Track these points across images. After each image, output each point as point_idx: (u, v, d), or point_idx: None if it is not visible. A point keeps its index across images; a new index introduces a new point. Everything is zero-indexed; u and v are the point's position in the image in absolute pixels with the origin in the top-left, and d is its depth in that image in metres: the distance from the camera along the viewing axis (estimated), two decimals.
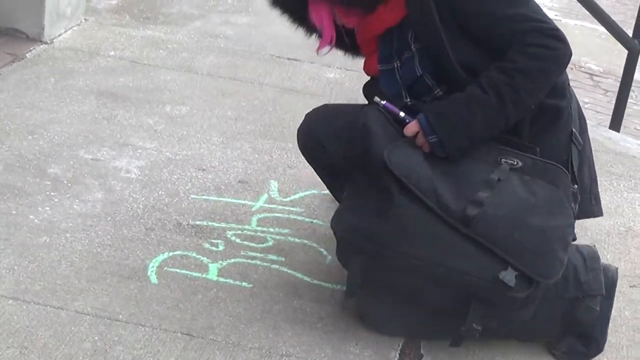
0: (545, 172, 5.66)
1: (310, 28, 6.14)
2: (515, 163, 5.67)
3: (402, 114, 5.76)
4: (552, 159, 5.69)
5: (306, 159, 6.69)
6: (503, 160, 5.68)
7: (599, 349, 6.15)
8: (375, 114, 5.79)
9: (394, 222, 5.55)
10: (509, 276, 5.39)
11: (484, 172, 5.66)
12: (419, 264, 5.56)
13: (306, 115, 6.67)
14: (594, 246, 6.27)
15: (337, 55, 8.07)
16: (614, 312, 6.20)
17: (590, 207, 6.16)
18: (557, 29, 5.74)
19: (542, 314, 5.88)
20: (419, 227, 5.55)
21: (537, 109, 5.75)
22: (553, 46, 5.62)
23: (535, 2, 5.96)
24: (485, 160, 5.72)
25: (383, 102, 5.81)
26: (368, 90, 6.25)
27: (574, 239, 5.98)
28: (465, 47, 5.68)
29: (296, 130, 6.94)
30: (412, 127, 5.68)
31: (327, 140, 6.39)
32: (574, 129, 5.94)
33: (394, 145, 5.64)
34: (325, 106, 6.73)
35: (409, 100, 5.84)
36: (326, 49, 6.16)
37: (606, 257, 6.56)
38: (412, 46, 5.81)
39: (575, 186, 5.78)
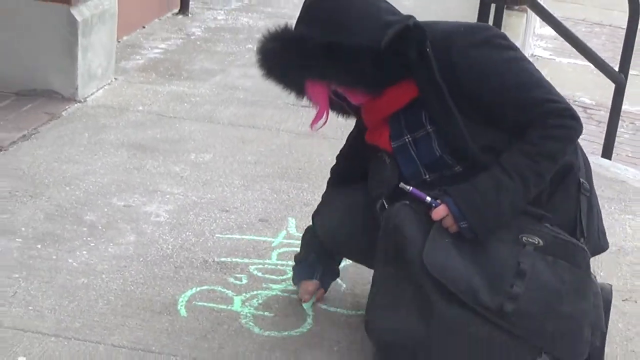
0: (567, 251, 5.63)
1: (303, 96, 6.05)
2: (537, 242, 5.59)
3: (428, 198, 5.60)
4: (564, 214, 5.73)
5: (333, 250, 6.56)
6: (524, 238, 5.60)
7: None
8: (405, 211, 5.63)
9: (435, 327, 5.49)
10: None
11: (510, 257, 5.57)
12: None
13: (319, 217, 6.52)
14: (611, 286, 6.29)
15: None
16: (609, 325, 6.18)
17: (599, 243, 6.12)
18: (571, 108, 5.68)
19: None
20: (461, 326, 5.50)
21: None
22: (570, 125, 5.58)
23: (545, 79, 5.82)
24: (508, 240, 5.62)
25: (409, 188, 5.65)
26: (377, 164, 6.04)
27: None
28: (481, 128, 5.61)
29: (311, 175, 7.06)
30: (440, 212, 5.55)
31: (352, 242, 6.36)
32: (581, 179, 5.90)
33: (430, 247, 5.52)
34: (334, 203, 6.49)
35: (427, 176, 5.80)
36: (320, 124, 6.13)
37: (600, 275, 6.63)
38: (428, 127, 5.74)
39: (587, 250, 5.71)
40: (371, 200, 5.96)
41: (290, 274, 6.85)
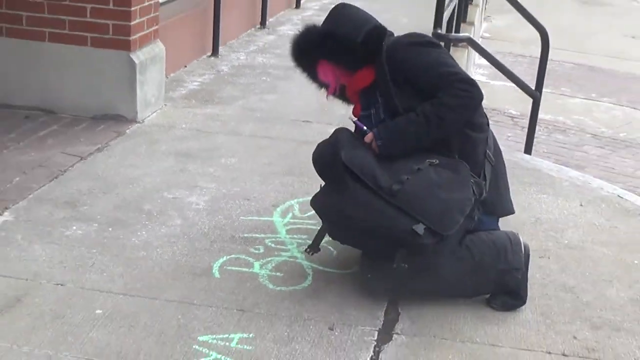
0: (452, 165, 6.23)
1: (319, 84, 6.66)
2: (435, 161, 6.21)
3: (365, 127, 6.36)
4: (472, 171, 6.25)
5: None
6: (427, 160, 6.20)
7: (523, 301, 6.27)
8: (344, 131, 6.38)
9: (347, 196, 6.01)
10: (419, 228, 5.82)
11: (410, 164, 6.15)
12: (363, 225, 6.00)
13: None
14: (517, 233, 6.42)
15: (336, 117, 8.11)
16: (529, 275, 6.23)
17: (507, 206, 6.61)
18: (469, 78, 6.43)
19: (482, 277, 6.21)
20: (362, 198, 6.00)
21: (464, 138, 6.34)
22: (465, 88, 6.22)
23: (452, 58, 6.77)
24: (416, 159, 6.20)
25: (355, 119, 6.52)
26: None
27: (495, 227, 6.50)
28: (409, 97, 6.25)
29: (311, 172, 7.05)
30: (369, 136, 6.29)
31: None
32: (488, 152, 6.44)
33: (349, 151, 6.10)
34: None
35: None
36: (330, 97, 6.79)
37: (522, 240, 6.52)
38: (379, 99, 6.36)
39: (483, 182, 6.28)
40: None
41: (295, 245, 6.91)
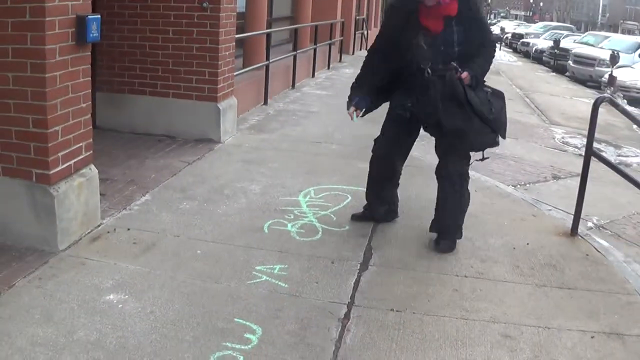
0: (497, 93, 6.00)
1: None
2: (490, 90, 5.95)
3: (460, 70, 5.73)
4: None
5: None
6: (486, 89, 5.92)
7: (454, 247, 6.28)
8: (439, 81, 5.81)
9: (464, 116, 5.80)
10: (498, 139, 5.94)
11: (482, 95, 5.84)
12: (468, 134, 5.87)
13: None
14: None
15: (335, 139, 8.03)
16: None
17: (504, 134, 6.07)
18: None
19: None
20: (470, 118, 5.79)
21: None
22: (494, 49, 6.08)
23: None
24: (482, 90, 5.88)
25: (454, 64, 5.77)
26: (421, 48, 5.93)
27: None
28: (462, 34, 5.83)
29: (321, 171, 7.16)
30: (465, 74, 5.70)
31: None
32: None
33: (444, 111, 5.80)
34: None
35: (440, 65, 5.81)
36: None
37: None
38: (454, 28, 5.81)
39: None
40: (414, 70, 5.99)
41: (311, 215, 6.88)
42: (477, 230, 6.71)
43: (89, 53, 5.94)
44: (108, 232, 6.15)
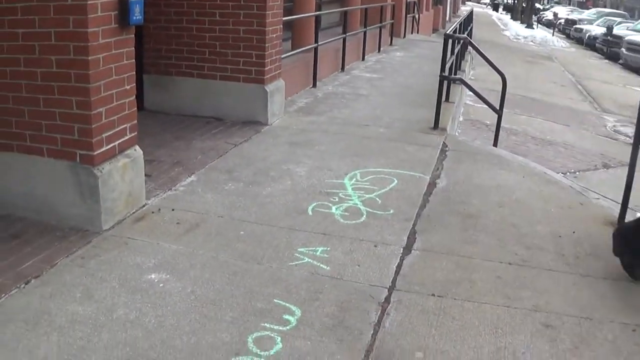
0: None
1: None
2: None
3: None
4: None
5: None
6: None
7: None
8: None
9: None
10: None
11: None
12: None
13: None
14: None
15: (383, 123, 7.98)
16: (493, 216, 6.01)
17: None
18: None
19: None
20: None
21: None
22: None
23: None
24: None
25: None
26: None
27: None
28: None
29: (367, 154, 7.04)
30: None
31: None
32: None
33: None
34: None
35: None
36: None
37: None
38: None
39: None
40: None
41: (356, 197, 6.81)
42: (523, 217, 6.62)
43: (133, 36, 5.96)
44: (152, 212, 6.17)
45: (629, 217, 6.79)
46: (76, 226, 5.70)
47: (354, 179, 7.33)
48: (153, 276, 5.03)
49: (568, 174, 8.71)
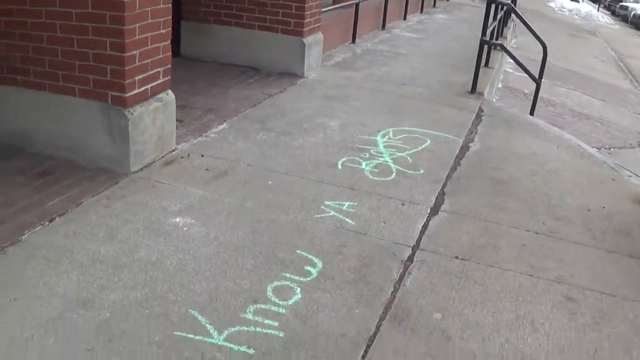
0: None
1: None
2: None
3: None
4: None
5: None
6: None
7: None
8: None
9: None
10: None
11: None
12: None
13: None
14: None
15: (421, 83, 7.90)
16: (525, 184, 5.92)
17: None
18: None
19: None
20: None
21: None
22: None
23: None
24: None
25: None
26: None
27: None
28: None
29: (402, 112, 6.97)
30: None
31: None
32: None
33: None
34: None
35: None
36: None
37: None
38: None
39: None
40: None
41: (387, 155, 6.76)
42: (554, 188, 6.53)
43: None
44: (182, 157, 6.16)
45: None
46: (105, 167, 5.70)
47: (387, 137, 7.26)
48: (178, 220, 5.03)
49: (603, 149, 8.60)
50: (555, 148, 7.70)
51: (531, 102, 10.48)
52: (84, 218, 4.91)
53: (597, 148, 8.53)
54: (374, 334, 4.03)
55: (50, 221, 4.82)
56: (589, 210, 6.18)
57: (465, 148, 7.24)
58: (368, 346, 3.92)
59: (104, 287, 4.16)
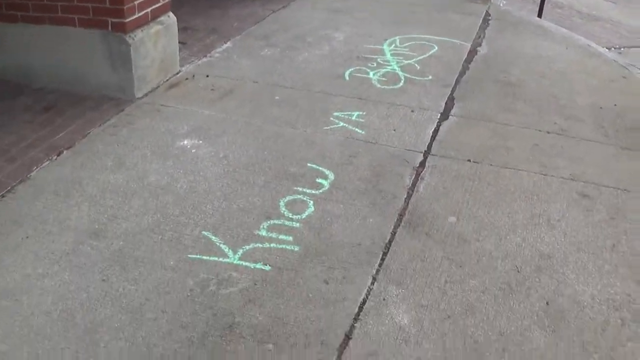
0: None
1: None
2: None
3: None
4: None
5: None
6: None
7: None
8: None
9: None
10: None
11: None
12: None
13: None
14: None
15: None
16: (532, 85, 5.86)
17: None
18: None
19: None
20: None
21: None
22: None
23: None
24: None
25: None
26: None
27: None
28: None
29: (406, 22, 6.90)
30: None
31: None
32: None
33: None
34: None
35: None
36: None
37: None
38: None
39: None
40: None
41: (395, 63, 6.66)
42: (563, 88, 6.43)
43: None
44: (186, 79, 6.09)
45: None
46: (109, 95, 5.65)
47: (393, 45, 7.14)
48: (185, 142, 4.98)
49: (613, 49, 8.43)
50: (563, 49, 7.57)
51: (538, 5, 10.29)
52: (91, 148, 4.86)
53: (607, 48, 8.36)
54: (390, 242, 4.00)
55: (58, 155, 4.78)
56: (600, 108, 6.10)
57: (473, 52, 7.12)
58: (384, 254, 3.89)
59: (115, 216, 4.12)
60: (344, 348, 3.26)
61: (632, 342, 3.47)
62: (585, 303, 3.68)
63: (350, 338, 3.32)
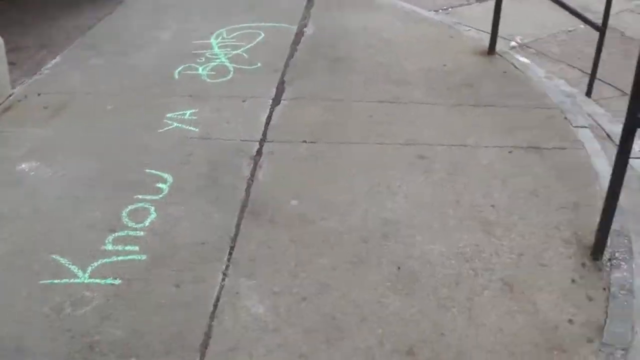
0: None
1: None
2: None
3: None
4: None
5: None
6: None
7: None
8: None
9: None
10: None
11: None
12: None
13: None
14: None
15: None
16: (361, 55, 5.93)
17: None
18: None
19: None
20: None
21: None
22: None
23: None
24: None
25: None
26: None
27: None
28: None
29: (238, 9, 7.10)
30: None
31: None
32: None
33: None
34: None
35: None
36: None
37: None
38: None
39: None
40: None
41: (222, 55, 6.61)
42: (392, 56, 6.57)
43: None
44: (19, 100, 5.92)
45: (503, 47, 6.81)
46: None
47: (220, 37, 7.08)
48: (24, 166, 4.83)
49: (440, 10, 8.62)
50: (389, 18, 7.71)
51: None
52: None
53: (434, 11, 8.54)
54: (235, 235, 4.02)
55: None
56: (429, 70, 6.25)
57: (300, 34, 7.15)
58: (232, 248, 3.91)
59: None
60: (206, 348, 3.27)
61: (488, 290, 3.61)
62: (435, 261, 3.82)
63: (210, 337, 3.33)
